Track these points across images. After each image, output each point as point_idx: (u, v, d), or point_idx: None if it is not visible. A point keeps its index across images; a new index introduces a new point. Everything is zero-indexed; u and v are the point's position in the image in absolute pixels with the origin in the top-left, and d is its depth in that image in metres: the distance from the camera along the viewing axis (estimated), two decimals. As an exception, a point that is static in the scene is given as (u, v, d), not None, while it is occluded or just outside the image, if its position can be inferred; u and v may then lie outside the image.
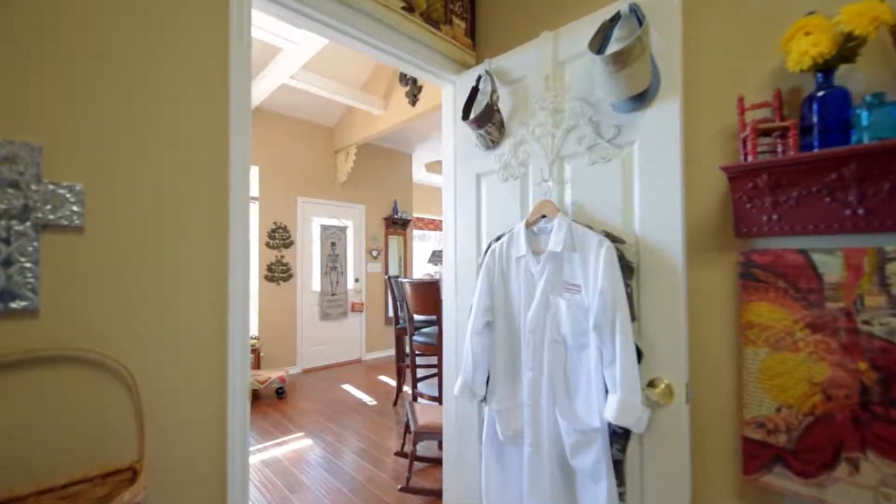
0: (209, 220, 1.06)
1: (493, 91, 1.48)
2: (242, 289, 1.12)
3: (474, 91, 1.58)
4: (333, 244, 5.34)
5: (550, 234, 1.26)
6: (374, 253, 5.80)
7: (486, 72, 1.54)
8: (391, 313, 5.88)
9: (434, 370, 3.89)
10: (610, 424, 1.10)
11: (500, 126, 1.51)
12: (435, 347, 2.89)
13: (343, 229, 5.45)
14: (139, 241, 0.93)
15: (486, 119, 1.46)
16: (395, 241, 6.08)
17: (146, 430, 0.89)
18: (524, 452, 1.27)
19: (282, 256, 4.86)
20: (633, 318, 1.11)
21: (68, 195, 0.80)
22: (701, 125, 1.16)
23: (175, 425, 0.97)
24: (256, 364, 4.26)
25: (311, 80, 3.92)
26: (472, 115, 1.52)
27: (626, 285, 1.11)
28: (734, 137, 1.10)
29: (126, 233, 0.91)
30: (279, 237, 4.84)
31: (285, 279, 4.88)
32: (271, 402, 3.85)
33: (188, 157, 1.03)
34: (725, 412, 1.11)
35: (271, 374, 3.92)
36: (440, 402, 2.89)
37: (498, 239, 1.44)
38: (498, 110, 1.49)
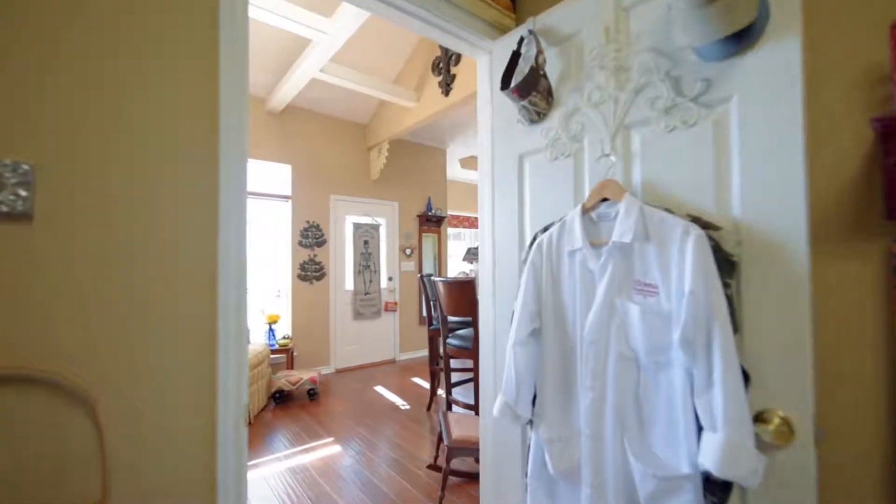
0: (193, 216, 0.89)
1: (539, 53, 1.23)
2: (237, 297, 0.95)
3: (515, 56, 1.34)
4: (366, 242, 5.24)
5: (615, 220, 1.00)
6: (408, 251, 5.65)
7: (530, 31, 1.29)
8: (425, 313, 5.72)
9: (469, 374, 3.67)
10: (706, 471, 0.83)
11: (548, 94, 1.26)
12: (470, 351, 2.67)
13: (376, 227, 5.34)
14: (105, 234, 0.77)
15: (530, 86, 1.21)
16: (429, 239, 5.91)
17: (109, 464, 0.72)
18: (582, 494, 1.02)
19: (315, 255, 4.81)
20: (735, 329, 0.84)
21: (10, 175, 0.65)
22: (828, 68, 0.86)
23: (151, 457, 0.81)
24: (289, 364, 4.22)
25: (342, 74, 3.81)
26: (512, 84, 1.28)
27: (725, 285, 0.84)
28: (882, 81, 0.80)
29: (86, 224, 0.75)
30: (312, 236, 4.79)
31: (318, 278, 4.82)
32: (303, 403, 3.77)
33: (169, 140, 0.86)
34: (874, 457, 0.81)
35: (303, 375, 3.84)
36: (476, 412, 2.67)
37: (545, 230, 1.19)
38: (545, 75, 1.24)
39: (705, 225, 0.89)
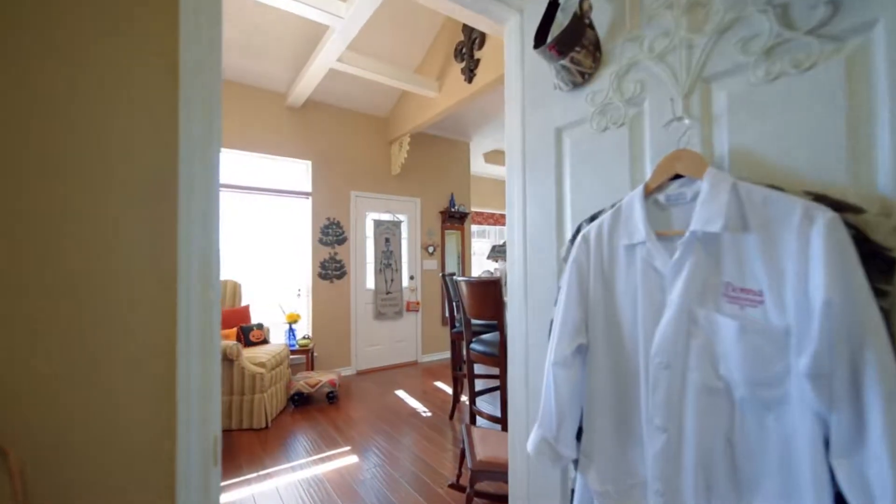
0: (141, 212, 0.70)
1: (583, -2, 0.98)
2: (204, 302, 0.75)
3: (552, 8, 1.09)
4: (388, 240, 5.08)
5: (693, 203, 0.75)
6: (430, 249, 5.45)
7: (571, -27, 1.04)
8: (448, 314, 5.51)
9: (495, 382, 3.42)
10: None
11: (594, 49, 1.00)
12: (496, 358, 2.43)
13: (397, 224, 5.16)
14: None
15: (572, 39, 0.97)
16: (452, 237, 5.69)
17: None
18: (648, 567, 0.77)
19: (335, 253, 4.68)
20: None
21: None
22: None
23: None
24: (309, 365, 4.10)
25: (361, 64, 3.63)
26: (549, 39, 1.03)
27: (878, 293, 0.57)
28: None
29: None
30: (332, 234, 4.66)
31: (339, 277, 4.69)
32: (321, 407, 3.63)
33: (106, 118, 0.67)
34: None
35: (322, 378, 3.70)
36: (503, 426, 2.43)
37: (592, 219, 0.94)
38: (591, 25, 0.99)
39: (837, 206, 0.62)
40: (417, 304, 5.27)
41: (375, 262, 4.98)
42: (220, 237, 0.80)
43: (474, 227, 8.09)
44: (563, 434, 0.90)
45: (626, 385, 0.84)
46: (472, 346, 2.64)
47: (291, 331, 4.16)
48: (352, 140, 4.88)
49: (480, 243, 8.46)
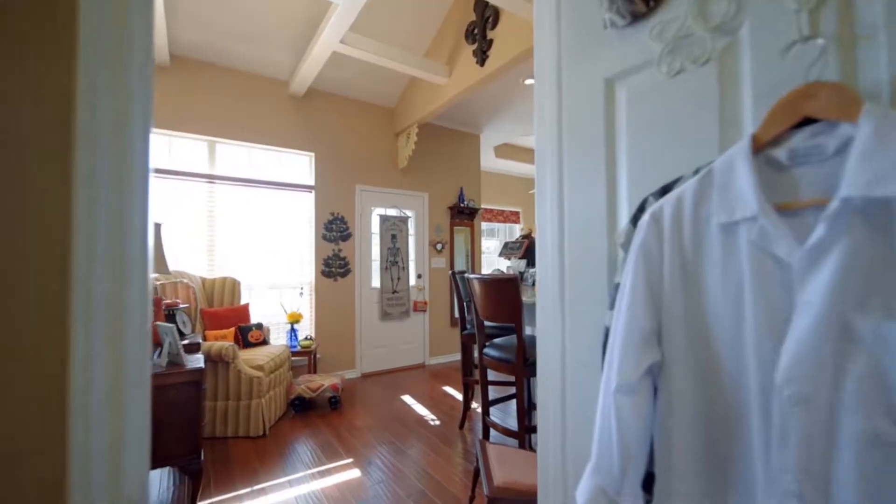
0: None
1: None
2: (118, 303, 0.52)
3: (601, -77, 0.84)
4: (394, 236, 4.85)
5: (843, 157, 0.50)
6: (439, 246, 5.21)
7: None
8: (457, 313, 5.27)
9: (511, 389, 3.18)
10: None
11: (663, -33, 0.76)
12: (511, 365, 2.19)
13: (404, 220, 4.93)
14: None
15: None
16: (461, 234, 5.45)
17: None
18: None
19: (339, 250, 4.46)
20: None
21: None
22: None
23: None
24: (311, 368, 3.89)
25: (366, 46, 3.41)
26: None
27: None
28: None
29: None
30: (336, 229, 4.45)
31: (343, 274, 4.47)
32: (323, 413, 3.42)
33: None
34: None
35: (324, 382, 3.49)
36: (520, 442, 2.18)
37: (664, 191, 0.70)
38: (660, -68, 0.74)
39: None
40: (425, 303, 5.04)
41: (381, 259, 4.76)
42: (146, 225, 0.56)
43: (483, 225, 7.85)
44: (627, 483, 0.65)
45: (724, 423, 0.59)
46: (486, 350, 2.39)
47: (293, 331, 3.95)
48: (357, 131, 4.66)
49: (489, 242, 8.21)
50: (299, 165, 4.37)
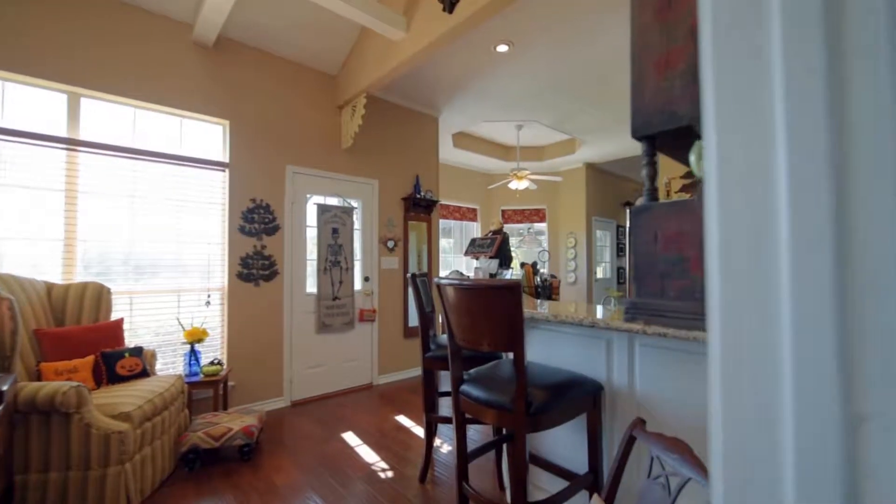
0: None
1: None
2: None
3: None
4: (336, 231, 3.97)
5: None
6: (391, 244, 4.40)
7: None
8: (412, 322, 4.49)
9: (486, 428, 2.45)
10: None
11: None
12: (506, 413, 1.47)
13: (349, 211, 4.07)
14: None
15: None
16: (416, 230, 4.68)
17: None
18: None
19: (262, 246, 3.51)
20: None
21: None
22: None
23: None
24: (218, 402, 2.91)
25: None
26: None
27: None
28: None
29: None
30: (259, 220, 3.49)
31: (267, 277, 3.52)
32: (229, 468, 2.49)
33: None
34: None
35: (233, 424, 2.55)
36: (524, 532, 1.45)
37: None
38: None
39: None
40: (373, 311, 4.21)
41: (319, 259, 3.86)
42: None
43: (440, 222, 7.14)
44: None
45: None
46: (465, 389, 1.65)
47: (194, 354, 2.96)
48: (288, 99, 3.73)
49: (443, 241, 7.51)
50: (207, 136, 3.36)
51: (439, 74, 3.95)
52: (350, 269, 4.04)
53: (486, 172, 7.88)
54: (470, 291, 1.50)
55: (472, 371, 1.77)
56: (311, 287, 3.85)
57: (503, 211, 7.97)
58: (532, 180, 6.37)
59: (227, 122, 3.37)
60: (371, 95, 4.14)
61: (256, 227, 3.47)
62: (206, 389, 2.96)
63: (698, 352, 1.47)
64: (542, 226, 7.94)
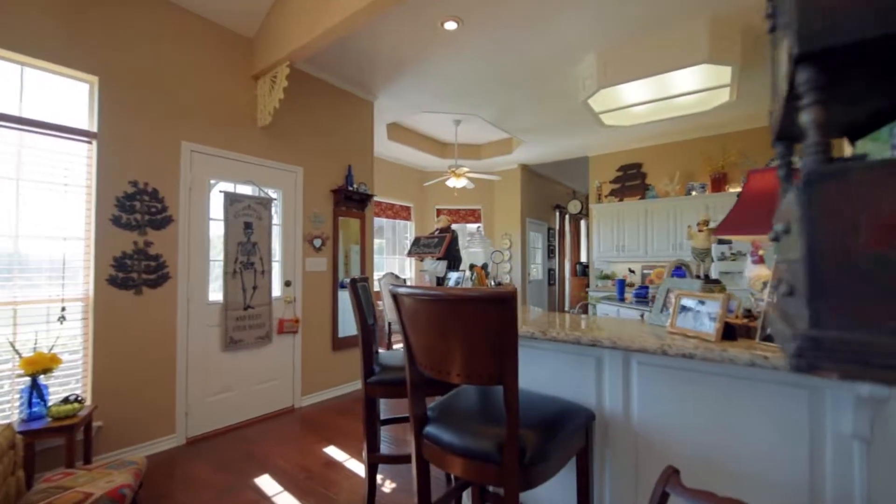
0: None
1: None
2: None
3: None
4: (249, 226, 3.29)
5: None
6: (317, 242, 3.81)
7: None
8: (343, 331, 3.95)
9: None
10: None
11: None
12: (496, 468, 1.09)
13: (265, 203, 3.40)
14: None
15: None
16: (347, 227, 4.13)
17: None
18: None
19: (147, 244, 2.74)
20: None
21: None
22: None
23: None
24: (72, 455, 2.12)
25: None
26: None
27: None
28: None
29: None
30: (143, 210, 2.72)
31: (154, 283, 2.75)
32: (86, 554, 1.77)
33: None
34: None
35: (95, 487, 1.83)
36: None
37: None
38: None
39: None
40: (296, 322, 3.59)
41: (227, 260, 3.15)
42: None
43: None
44: None
45: None
46: (433, 432, 1.24)
47: (37, 390, 2.14)
48: (186, 59, 2.98)
49: (375, 241, 6.97)
50: (66, 95, 2.52)
51: (378, 49, 3.48)
52: (267, 271, 3.38)
53: (421, 169, 7.51)
54: (442, 304, 1.10)
55: (436, 404, 1.37)
56: (216, 294, 3.13)
57: (438, 210, 7.67)
58: (470, 178, 6.13)
59: (95, 80, 2.56)
60: (297, 69, 3.53)
61: (139, 218, 2.69)
62: (55, 439, 2.16)
63: (711, 371, 1.24)
64: (477, 226, 7.78)
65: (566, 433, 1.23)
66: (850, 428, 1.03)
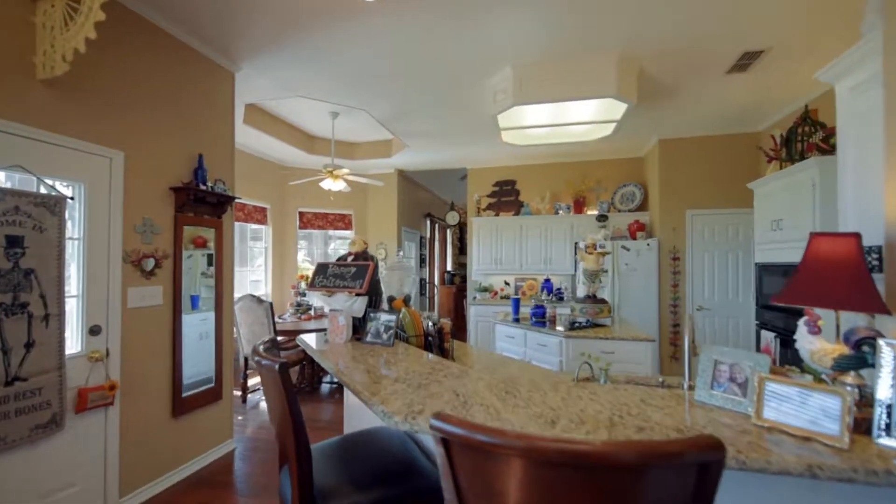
0: None
1: None
2: None
3: None
4: (15, 242, 1.94)
5: None
6: (148, 264, 2.58)
7: None
8: (188, 385, 2.83)
9: None
10: None
11: None
12: None
13: (50, 205, 2.08)
14: None
15: None
16: (196, 240, 2.96)
17: None
18: None
19: None
20: None
21: None
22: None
23: None
24: None
25: None
26: None
27: None
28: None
29: None
30: None
31: None
32: None
33: None
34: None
35: None
36: None
37: None
38: None
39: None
40: (110, 388, 2.33)
41: (-36, 301, 1.78)
42: None
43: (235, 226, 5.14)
44: None
45: None
46: None
47: None
48: None
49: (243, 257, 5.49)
50: None
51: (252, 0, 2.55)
52: (54, 316, 2.07)
53: (281, 163, 6.30)
54: (609, 475, 0.59)
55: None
56: (-62, 366, 1.73)
57: (301, 213, 6.59)
58: (348, 181, 5.38)
59: None
60: (121, 2, 2.30)
61: None
62: None
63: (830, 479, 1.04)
64: (348, 233, 7.00)
65: None
66: None
